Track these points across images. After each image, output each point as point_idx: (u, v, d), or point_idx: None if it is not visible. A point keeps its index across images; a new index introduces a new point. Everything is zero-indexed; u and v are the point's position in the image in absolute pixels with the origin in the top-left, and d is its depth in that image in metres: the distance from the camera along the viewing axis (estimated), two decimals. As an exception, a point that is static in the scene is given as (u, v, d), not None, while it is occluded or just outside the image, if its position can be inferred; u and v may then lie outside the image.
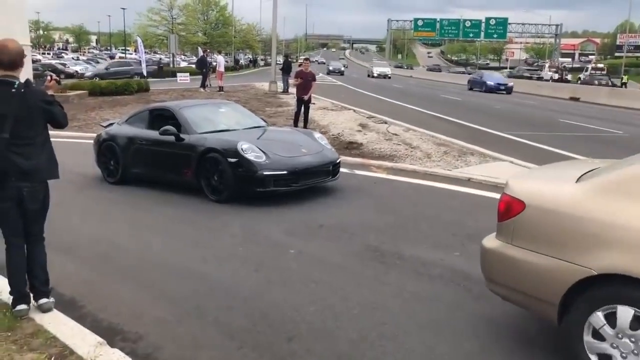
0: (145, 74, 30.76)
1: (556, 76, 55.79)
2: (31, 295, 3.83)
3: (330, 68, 57.81)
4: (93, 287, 4.42)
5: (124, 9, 70.50)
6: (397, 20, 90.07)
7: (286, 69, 26.74)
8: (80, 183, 8.15)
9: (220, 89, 25.52)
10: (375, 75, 52.85)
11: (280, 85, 26.72)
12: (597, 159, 4.28)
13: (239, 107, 9.49)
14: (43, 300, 3.80)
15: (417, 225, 6.09)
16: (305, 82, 13.15)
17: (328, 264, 4.93)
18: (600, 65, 60.94)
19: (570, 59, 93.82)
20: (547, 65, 69.37)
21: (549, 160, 10.35)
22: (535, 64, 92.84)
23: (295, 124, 13.17)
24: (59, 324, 3.62)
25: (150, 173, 7.91)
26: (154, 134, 7.71)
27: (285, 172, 6.87)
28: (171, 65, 45.60)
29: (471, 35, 78.78)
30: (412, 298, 4.20)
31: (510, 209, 3.35)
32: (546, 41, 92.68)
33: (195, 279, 4.58)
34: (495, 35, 77.80)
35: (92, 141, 8.92)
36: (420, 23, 79.96)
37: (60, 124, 3.83)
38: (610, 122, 18.00)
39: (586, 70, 54.97)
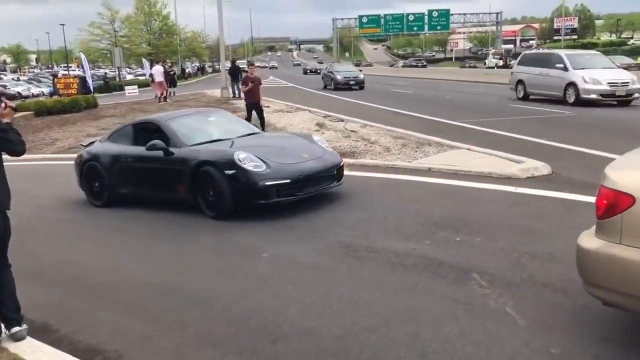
0: (92, 89, 30.04)
1: (500, 63, 57.27)
2: (2, 325, 3.71)
3: (339, 78, 30.81)
4: (65, 310, 4.32)
5: (62, 25, 68.62)
6: (342, 19, 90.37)
7: (234, 75, 26.60)
8: (38, 206, 7.91)
9: (162, 99, 25.17)
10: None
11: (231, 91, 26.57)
12: None
13: (228, 115, 8.97)
14: (15, 329, 3.70)
15: (386, 217, 6.16)
16: (253, 87, 13.36)
17: (303, 264, 4.95)
18: (541, 50, 62.75)
19: (512, 45, 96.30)
20: (491, 52, 71.08)
21: (504, 145, 10.71)
22: (480, 52, 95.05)
23: None
24: (35, 351, 3.54)
25: (140, 192, 7.36)
26: (140, 149, 7.16)
27: (288, 180, 6.36)
28: (117, 79, 44.76)
29: (415, 29, 79.93)
30: (389, 289, 4.26)
31: (615, 204, 3.05)
32: (488, 29, 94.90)
33: (171, 292, 4.53)
34: (438, 27, 79.18)
35: (45, 162, 8.66)
36: (365, 20, 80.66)
37: (17, 152, 3.72)
38: (555, 104, 18.58)
39: (528, 55, 56.58)
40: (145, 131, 7.54)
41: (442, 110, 17.02)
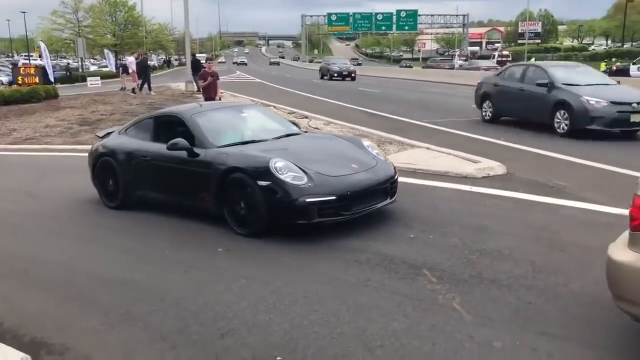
0: (52, 80, 29.35)
1: (465, 64, 58.03)
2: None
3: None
4: (11, 304, 4.23)
5: (24, 12, 66.76)
6: (311, 16, 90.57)
7: (195, 69, 26.37)
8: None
9: (134, 90, 24.86)
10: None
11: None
12: None
13: (263, 110, 7.62)
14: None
15: (342, 214, 6.20)
16: (212, 82, 13.30)
17: (257, 259, 4.96)
18: (506, 53, 64.02)
19: (478, 48, 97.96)
20: (457, 54, 72.06)
21: (462, 144, 10.90)
22: (446, 53, 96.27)
23: None
24: (-25, 344, 3.45)
25: (158, 197, 6.46)
26: (160, 147, 6.23)
27: (333, 197, 5.30)
28: (80, 70, 43.82)
29: (383, 28, 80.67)
30: (341, 284, 4.31)
31: None
32: (455, 31, 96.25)
33: (123, 285, 4.48)
34: (406, 28, 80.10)
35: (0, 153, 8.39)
36: (334, 18, 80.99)
37: None
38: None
39: (493, 58, 57.53)
40: (167, 126, 6.65)
41: (405, 110, 17.20)
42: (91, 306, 4.13)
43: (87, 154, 7.41)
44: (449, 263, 4.62)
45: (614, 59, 53.00)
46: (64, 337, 3.63)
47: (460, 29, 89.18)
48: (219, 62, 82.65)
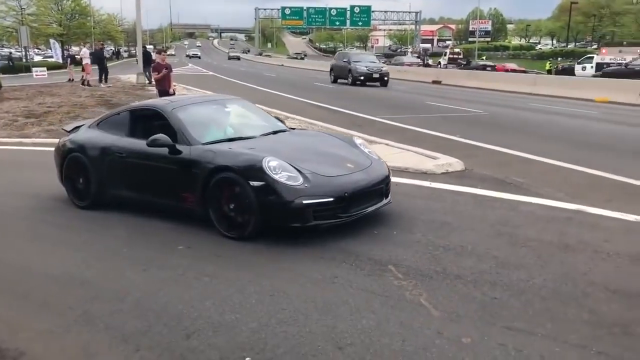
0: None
1: (419, 61, 58.83)
2: None
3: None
4: (-41, 306, 3.99)
5: (-38, -2, 63.49)
6: (264, 9, 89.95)
7: (146, 61, 25.86)
8: None
9: (87, 83, 24.11)
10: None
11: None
12: None
13: (247, 104, 7.15)
14: None
15: (305, 210, 6.14)
16: (165, 75, 13.00)
17: (220, 256, 4.84)
18: (457, 50, 65.21)
19: (430, 45, 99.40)
20: (409, 51, 72.94)
21: (420, 141, 11.03)
22: (399, 50, 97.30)
23: None
24: None
25: (135, 196, 6.05)
26: (137, 143, 5.88)
27: (331, 198, 5.05)
28: (24, 60, 42.14)
29: (337, 23, 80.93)
30: (308, 282, 4.25)
31: None
32: (407, 28, 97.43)
33: (79, 285, 4.29)
34: (360, 23, 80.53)
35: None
36: (287, 11, 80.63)
37: None
38: (470, 103, 19.36)
39: (445, 55, 58.51)
40: (145, 120, 6.25)
41: (361, 106, 17.27)
42: (46, 308, 3.94)
43: (33, 147, 7.08)
44: (413, 259, 4.63)
45: (559, 59, 54.72)
46: (17, 341, 3.43)
47: (413, 26, 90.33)
48: (169, 55, 79.60)
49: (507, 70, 40.45)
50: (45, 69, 32.03)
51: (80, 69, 26.62)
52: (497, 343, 3.33)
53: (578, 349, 3.26)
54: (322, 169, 5.27)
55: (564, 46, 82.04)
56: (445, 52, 61.73)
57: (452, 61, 50.70)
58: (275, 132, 6.32)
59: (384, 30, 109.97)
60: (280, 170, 5.04)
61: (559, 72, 38.72)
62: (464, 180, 7.38)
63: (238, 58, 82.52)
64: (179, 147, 5.55)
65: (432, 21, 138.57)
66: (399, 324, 3.57)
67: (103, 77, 25.39)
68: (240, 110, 6.79)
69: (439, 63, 54.32)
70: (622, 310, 3.74)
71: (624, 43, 55.05)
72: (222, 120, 6.41)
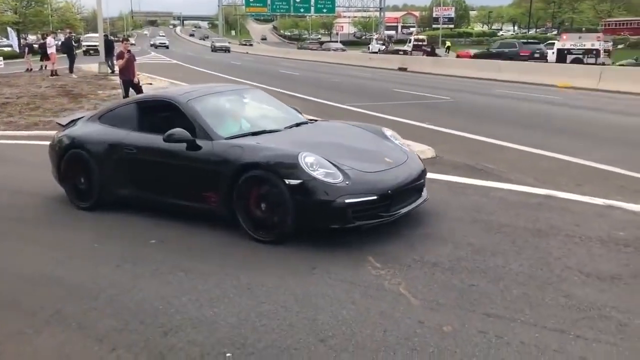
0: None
1: (383, 48, 58.95)
2: None
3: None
4: None
5: None
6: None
7: (108, 50, 25.31)
8: None
9: (55, 72, 23.42)
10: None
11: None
12: None
13: (264, 94, 6.64)
14: None
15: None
16: (128, 63, 12.67)
17: (194, 250, 4.75)
18: (421, 37, 65.52)
19: (394, 32, 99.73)
20: (374, 38, 73.00)
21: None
22: (363, 37, 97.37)
23: None
24: None
25: (147, 196, 5.57)
26: (149, 138, 5.45)
27: (375, 197, 4.66)
28: (-22, 49, 40.67)
29: (302, 10, 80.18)
30: (286, 273, 4.20)
31: None
32: (372, 15, 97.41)
33: (50, 284, 4.15)
34: (324, 10, 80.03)
35: None
36: (251, -1, 79.44)
37: None
38: (437, 89, 19.50)
39: (409, 42, 58.65)
40: (155, 112, 5.79)
41: (330, 93, 17.22)
42: (15, 308, 3.79)
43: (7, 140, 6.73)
44: (391, 248, 4.63)
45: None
46: (-13, 344, 3.30)
47: (377, 13, 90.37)
48: (130, 44, 76.47)
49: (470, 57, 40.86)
50: (1, 58, 30.97)
51: (39, 58, 25.88)
52: (477, 330, 3.35)
53: (557, 334, 3.30)
54: (361, 164, 4.88)
55: (525, 32, 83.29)
56: (410, 39, 61.93)
57: (416, 48, 50.84)
58: (298, 125, 5.88)
59: (349, 17, 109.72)
60: (317, 167, 4.63)
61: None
62: (435, 168, 7.41)
63: (227, 50, 64.00)
64: (199, 142, 5.10)
65: (396, 8, 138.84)
66: (379, 314, 3.56)
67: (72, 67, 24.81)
68: (257, 101, 6.35)
69: (404, 51, 54.48)
70: (597, 293, 3.81)
71: (583, 29, 56.31)
72: (241, 111, 5.98)
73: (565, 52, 33.77)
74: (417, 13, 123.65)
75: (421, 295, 3.81)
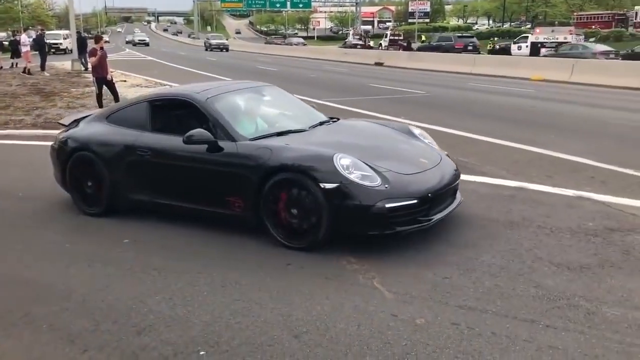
0: None
1: (360, 43, 58.98)
2: None
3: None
4: None
5: None
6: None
7: (81, 47, 24.94)
8: None
9: (28, 71, 22.98)
10: None
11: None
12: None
13: (282, 92, 6.30)
14: None
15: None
16: (101, 60, 12.50)
17: (167, 248, 4.71)
18: (398, 32, 65.73)
19: (370, 27, 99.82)
20: (351, 33, 73.03)
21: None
22: (340, 32, 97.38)
23: (101, 108, 12.47)
24: None
25: (164, 202, 5.21)
26: (164, 140, 5.14)
27: (415, 200, 4.40)
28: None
29: (278, 5, 79.62)
30: (260, 270, 4.19)
31: None
32: (348, 10, 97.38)
33: (18, 285, 4.08)
34: (300, 5, 79.59)
35: None
36: (226, -6, 78.82)
37: None
38: (413, 84, 19.61)
39: (386, 37, 58.80)
40: (169, 111, 5.49)
41: (306, 89, 17.17)
42: (-17, 311, 3.73)
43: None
44: (365, 242, 4.64)
45: (495, 39, 56.07)
46: (-46, 349, 3.24)
47: (353, 8, 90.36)
48: (105, 42, 74.70)
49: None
50: (-30, 56, 30.30)
51: (9, 55, 25.40)
52: (450, 322, 3.38)
53: (527, 324, 3.35)
54: (397, 166, 4.63)
55: (499, 26, 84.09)
56: (386, 34, 62.14)
57: (393, 43, 51.04)
58: (322, 124, 5.59)
59: (325, 12, 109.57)
60: (354, 169, 4.37)
61: (496, 51, 39.73)
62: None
63: (226, 49, 54.50)
64: (221, 143, 4.81)
65: (372, 3, 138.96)
66: (353, 308, 3.58)
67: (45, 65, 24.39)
68: (277, 99, 6.06)
69: (380, 45, 54.62)
70: (566, 283, 3.88)
71: (556, 23, 57.02)
72: (263, 110, 5.69)
73: (539, 45, 34.23)
74: (393, 8, 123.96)
75: (395, 288, 3.84)
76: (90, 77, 19.74)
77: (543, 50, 34.10)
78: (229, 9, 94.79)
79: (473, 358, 3.02)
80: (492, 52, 41.08)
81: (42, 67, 24.24)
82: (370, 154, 4.73)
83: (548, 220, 5.11)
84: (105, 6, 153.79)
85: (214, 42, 55.46)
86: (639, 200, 5.70)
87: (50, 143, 6.14)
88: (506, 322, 3.38)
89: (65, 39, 40.95)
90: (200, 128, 4.86)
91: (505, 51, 37.99)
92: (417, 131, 5.66)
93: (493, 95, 16.08)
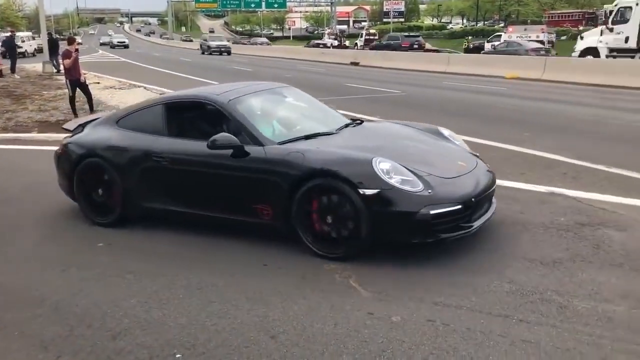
0: None
1: (336, 43, 59.14)
2: None
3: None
4: None
5: None
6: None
7: (52, 49, 24.59)
8: None
9: (0, 73, 22.53)
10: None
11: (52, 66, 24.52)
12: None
13: (300, 92, 5.97)
14: None
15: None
16: (74, 62, 12.34)
17: (143, 252, 4.68)
18: (373, 31, 66.02)
19: (346, 26, 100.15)
20: (326, 32, 73.14)
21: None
22: (316, 31, 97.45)
23: (74, 111, 12.34)
24: None
25: (183, 210, 4.93)
26: (181, 144, 4.86)
27: (459, 206, 4.17)
28: None
29: (253, 5, 79.47)
30: (237, 272, 4.18)
31: None
32: (323, 9, 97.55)
33: (-11, 291, 4.01)
34: (276, 5, 79.52)
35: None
36: (201, -6, 78.27)
37: None
38: (389, 83, 19.72)
39: (361, 36, 59.02)
40: (186, 114, 5.21)
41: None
42: (-47, 319, 3.65)
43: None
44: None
45: (469, 37, 56.64)
46: None
47: (329, 8, 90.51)
48: (77, 44, 73.22)
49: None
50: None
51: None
52: (426, 319, 3.42)
53: (501, 319, 3.40)
54: (436, 169, 4.40)
55: (473, 25, 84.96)
56: (362, 34, 62.35)
57: (368, 42, 51.29)
58: (347, 126, 5.33)
59: (300, 12, 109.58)
60: (394, 173, 4.13)
61: (471, 50, 40.21)
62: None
63: (228, 52, 47.80)
64: (247, 148, 4.54)
65: (347, 2, 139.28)
66: (330, 308, 3.59)
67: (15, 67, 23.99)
68: (298, 100, 5.78)
69: (356, 44, 54.82)
70: (539, 278, 3.94)
71: (528, 22, 57.86)
72: (287, 113, 5.46)
73: (492, 45, 34.79)
74: (368, 7, 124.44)
75: (371, 287, 3.87)
76: (62, 79, 19.49)
77: (487, 47, 36.24)
78: (203, 10, 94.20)
79: (448, 354, 3.06)
80: (467, 50, 41.63)
81: (12, 70, 23.82)
82: (407, 157, 4.50)
83: (521, 217, 5.19)
84: (77, 7, 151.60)
85: (213, 44, 48.92)
86: (608, 195, 5.82)
87: (20, 147, 6.04)
88: (480, 318, 3.42)
89: (23, 41, 38.94)
90: (221, 131, 4.66)
91: (480, 50, 38.44)
92: (446, 132, 5.43)
93: (467, 94, 16.25)
